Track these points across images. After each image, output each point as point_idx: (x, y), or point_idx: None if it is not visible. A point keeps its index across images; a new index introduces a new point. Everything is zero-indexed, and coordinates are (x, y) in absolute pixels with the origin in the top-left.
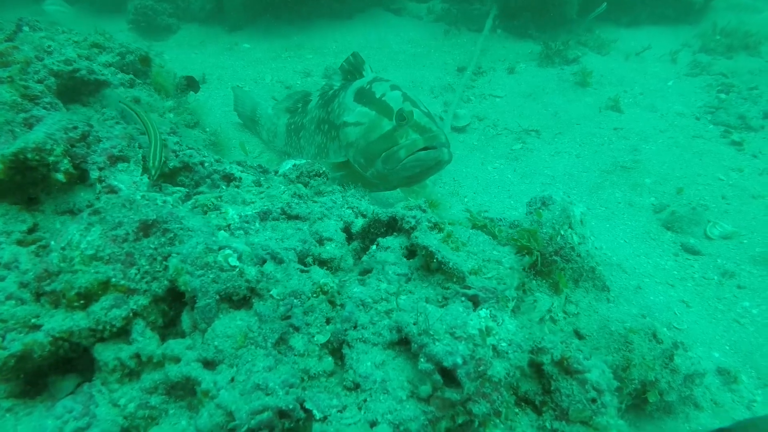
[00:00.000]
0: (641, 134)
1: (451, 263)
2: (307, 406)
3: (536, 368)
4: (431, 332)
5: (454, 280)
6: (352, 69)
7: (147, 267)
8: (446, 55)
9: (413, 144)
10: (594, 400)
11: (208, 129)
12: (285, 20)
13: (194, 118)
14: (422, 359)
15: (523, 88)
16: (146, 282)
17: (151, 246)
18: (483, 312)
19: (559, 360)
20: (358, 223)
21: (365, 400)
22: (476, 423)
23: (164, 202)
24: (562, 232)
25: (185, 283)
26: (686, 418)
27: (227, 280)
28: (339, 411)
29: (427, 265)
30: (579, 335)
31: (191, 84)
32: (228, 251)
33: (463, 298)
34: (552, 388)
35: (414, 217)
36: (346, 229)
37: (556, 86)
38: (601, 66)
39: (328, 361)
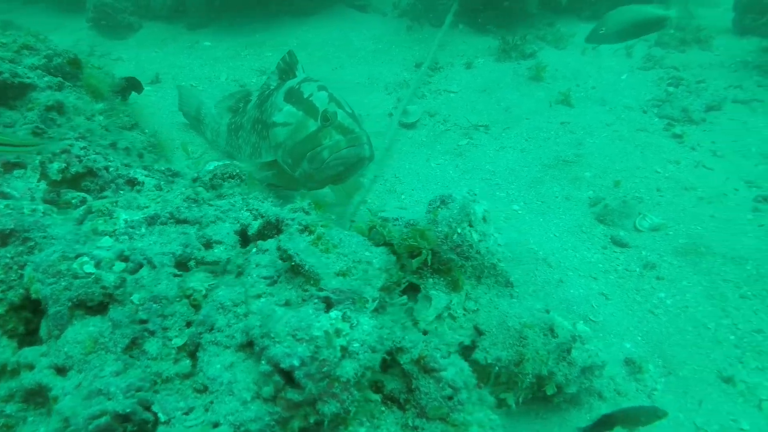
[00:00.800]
0: (587, 128)
1: (307, 266)
2: (154, 408)
3: (400, 367)
4: (272, 335)
5: (311, 282)
6: (287, 68)
7: (2, 276)
8: (407, 51)
9: (336, 145)
10: (450, 398)
11: (147, 130)
12: (248, 17)
13: (132, 119)
14: (263, 361)
15: (478, 83)
16: (2, 291)
17: (8, 255)
18: (334, 313)
19: (417, 359)
20: (255, 225)
21: (212, 402)
22: (326, 422)
23: (33, 210)
24: (459, 230)
25: (36, 291)
26: (590, 408)
27: (80, 287)
28: (185, 413)
29: (293, 268)
30: (479, 331)
31: (133, 85)
32: (85, 258)
33: (316, 300)
34: (413, 387)
35: (293, 219)
36: (243, 232)
37: (511, 81)
38: (557, 60)
39: (185, 363)
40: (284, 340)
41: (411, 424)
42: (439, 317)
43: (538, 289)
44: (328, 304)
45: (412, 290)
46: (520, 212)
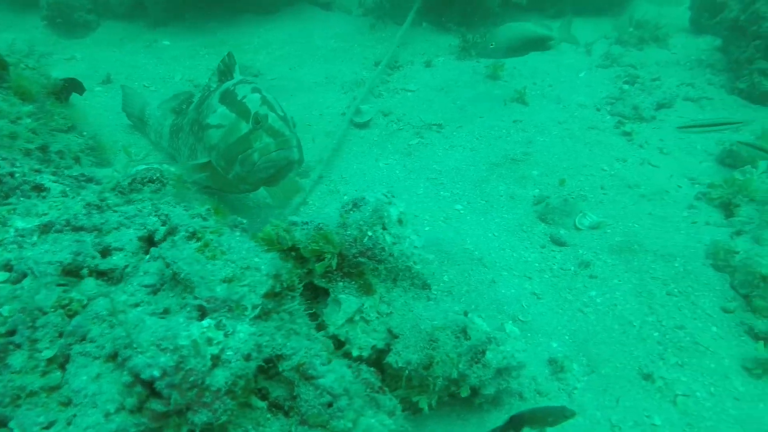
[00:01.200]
0: (539, 126)
1: (183, 274)
2: (11, 425)
3: (281, 374)
4: (135, 345)
5: (188, 290)
6: (226, 69)
7: None
8: (368, 49)
9: (266, 148)
10: (329, 405)
11: (85, 132)
12: (210, 16)
13: (69, 121)
14: (125, 372)
15: (437, 82)
16: None
17: None
18: (206, 322)
19: (297, 366)
20: (162, 231)
21: (75, 415)
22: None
23: None
24: (370, 233)
25: None
26: (510, 409)
27: None
28: (44, 428)
29: (175, 276)
30: (393, 334)
31: (73, 86)
32: None
33: (190, 309)
34: (295, 394)
35: (183, 225)
36: (149, 238)
37: (469, 79)
38: (517, 58)
39: (55, 376)
40: (147, 350)
41: (294, 431)
42: (350, 321)
43: (471, 290)
44: (203, 313)
45: (325, 294)
46: (462, 212)
